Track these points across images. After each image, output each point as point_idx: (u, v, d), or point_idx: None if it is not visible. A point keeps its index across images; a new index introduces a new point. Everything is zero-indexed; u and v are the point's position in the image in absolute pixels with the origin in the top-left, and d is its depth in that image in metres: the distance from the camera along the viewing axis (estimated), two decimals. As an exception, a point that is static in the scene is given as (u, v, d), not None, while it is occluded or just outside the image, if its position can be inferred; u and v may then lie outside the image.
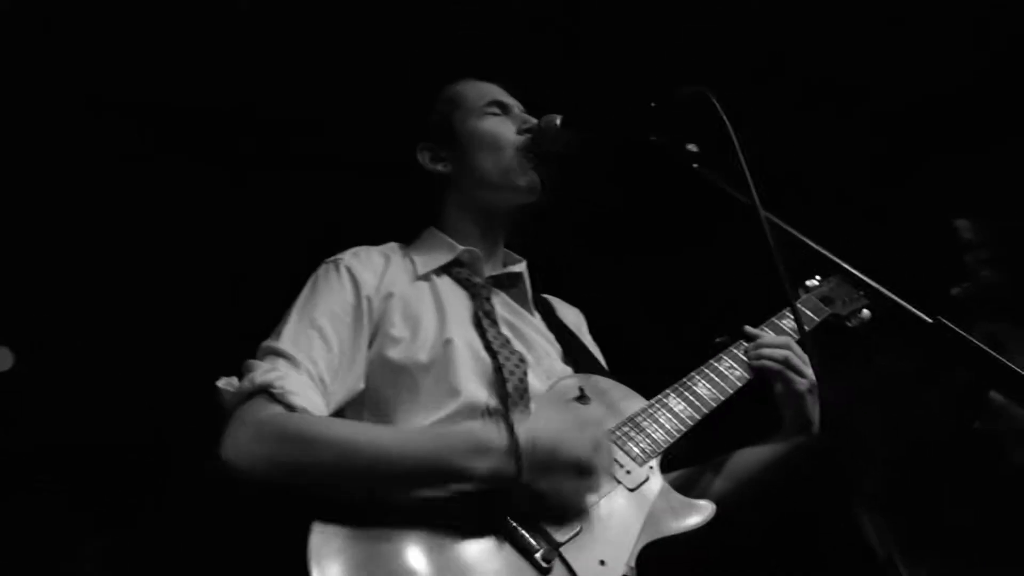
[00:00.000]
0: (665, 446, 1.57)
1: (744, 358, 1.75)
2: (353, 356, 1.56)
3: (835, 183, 3.29)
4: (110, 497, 2.83)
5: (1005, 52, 3.09)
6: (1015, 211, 3.05)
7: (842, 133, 3.22)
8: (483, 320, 1.66)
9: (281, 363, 1.47)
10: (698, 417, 1.63)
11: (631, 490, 1.48)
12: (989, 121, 3.16)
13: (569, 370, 1.71)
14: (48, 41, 2.68)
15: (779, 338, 1.77)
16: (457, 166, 1.84)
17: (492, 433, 1.37)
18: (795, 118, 3.14)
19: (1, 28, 2.60)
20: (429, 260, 1.76)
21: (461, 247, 1.78)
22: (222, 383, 1.46)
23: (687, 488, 1.60)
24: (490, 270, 1.82)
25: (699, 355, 1.78)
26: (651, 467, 1.53)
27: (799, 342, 1.74)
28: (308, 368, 1.48)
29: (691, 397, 1.66)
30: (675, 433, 1.59)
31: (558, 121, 1.75)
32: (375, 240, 1.83)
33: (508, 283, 1.86)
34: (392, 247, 1.81)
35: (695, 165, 1.54)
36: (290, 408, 1.40)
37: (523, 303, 1.85)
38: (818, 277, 2.02)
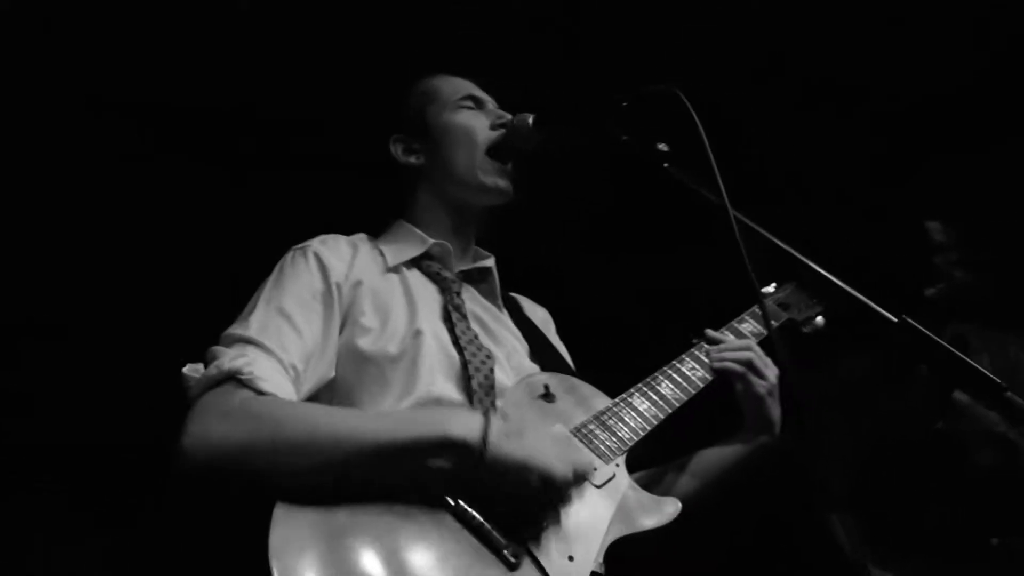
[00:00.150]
0: (631, 444, 1.58)
1: (706, 360, 1.77)
2: (324, 344, 1.53)
3: (835, 183, 3.29)
4: (110, 497, 2.82)
5: (1005, 52, 3.09)
6: (1015, 211, 3.06)
7: (842, 133, 3.22)
8: (452, 314, 1.66)
9: (250, 350, 1.43)
10: (662, 416, 1.66)
11: (598, 487, 1.48)
12: (989, 121, 3.16)
13: (536, 368, 1.72)
14: (48, 41, 2.68)
15: (741, 341, 1.80)
16: (430, 159, 1.84)
17: (463, 428, 1.34)
18: (795, 118, 3.14)
19: (1, 28, 2.60)
20: (399, 252, 1.75)
21: (432, 240, 1.78)
22: (187, 369, 1.41)
23: (651, 487, 1.62)
24: (460, 265, 1.82)
25: (675, 354, 1.81)
26: (617, 464, 1.54)
27: (763, 342, 1.76)
28: (278, 355, 1.44)
29: (655, 397, 1.68)
30: (640, 432, 1.61)
31: (531, 119, 1.76)
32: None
33: (478, 278, 1.86)
34: (360, 237, 1.80)
35: (665, 164, 1.55)
36: (259, 394, 1.36)
37: (492, 299, 1.86)
38: (774, 284, 2.04)
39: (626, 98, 1.54)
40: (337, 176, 2.82)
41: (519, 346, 1.77)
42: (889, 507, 2.58)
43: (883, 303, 1.32)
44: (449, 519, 1.32)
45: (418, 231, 1.80)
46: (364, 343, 1.54)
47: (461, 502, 1.33)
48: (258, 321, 1.49)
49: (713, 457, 1.76)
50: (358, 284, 1.62)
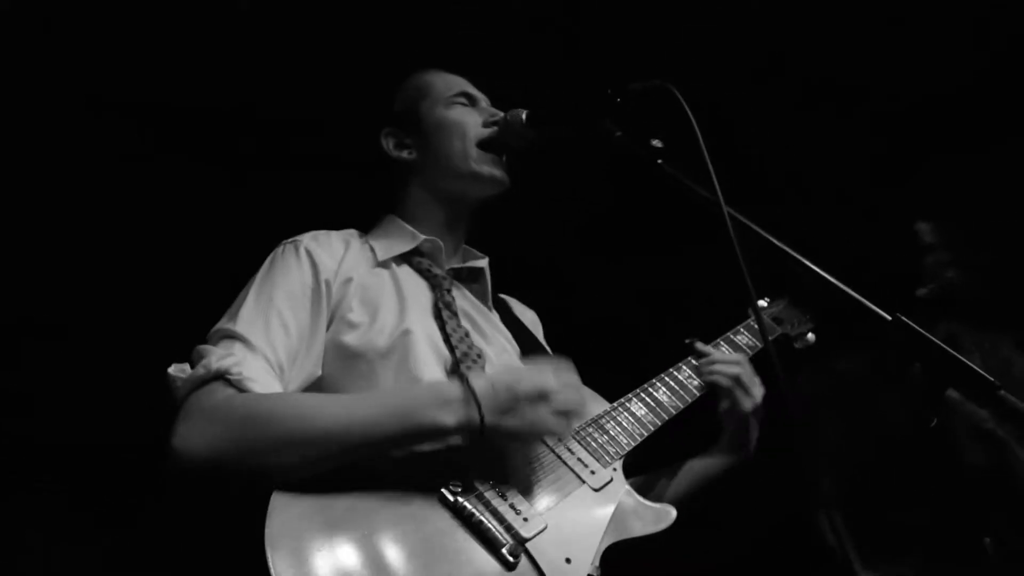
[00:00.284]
0: (628, 449, 1.59)
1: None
2: (311, 341, 1.51)
3: (834, 183, 3.29)
4: (110, 497, 2.82)
5: (1005, 52, 3.09)
6: (1011, 212, 3.06)
7: (842, 133, 3.22)
8: (443, 311, 1.64)
9: (237, 347, 1.41)
10: (659, 423, 1.66)
11: (596, 490, 1.49)
12: (989, 121, 3.16)
13: None
14: (48, 41, 2.68)
15: (732, 355, 1.80)
16: (422, 154, 1.83)
17: (453, 387, 1.35)
18: (795, 118, 3.14)
19: (1, 28, 2.60)
20: (389, 247, 1.74)
21: (423, 236, 1.76)
22: (173, 370, 1.39)
23: (641, 493, 1.61)
24: (450, 262, 1.81)
25: (671, 355, 1.81)
26: (615, 469, 1.54)
27: (757, 354, 1.76)
28: (266, 353, 1.42)
29: (652, 403, 1.69)
30: (637, 437, 1.61)
31: (524, 116, 1.75)
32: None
33: (469, 277, 1.85)
34: (351, 233, 1.78)
35: (659, 160, 1.54)
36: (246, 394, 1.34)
37: (483, 299, 1.85)
38: (767, 298, 2.04)
39: (619, 94, 1.54)
40: (337, 176, 2.82)
41: (509, 347, 1.76)
42: (879, 506, 2.58)
43: (879, 302, 1.32)
44: (447, 516, 1.32)
45: (409, 227, 1.79)
46: (351, 339, 1.53)
47: (460, 498, 1.33)
48: (247, 316, 1.47)
49: (691, 471, 1.76)
50: (348, 281, 1.61)
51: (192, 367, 1.38)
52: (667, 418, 1.68)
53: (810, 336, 2.05)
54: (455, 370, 1.54)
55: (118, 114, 2.82)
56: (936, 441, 2.46)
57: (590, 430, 1.58)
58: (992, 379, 1.25)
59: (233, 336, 1.44)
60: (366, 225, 1.89)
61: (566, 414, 1.41)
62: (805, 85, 3.11)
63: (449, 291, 1.72)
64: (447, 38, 2.82)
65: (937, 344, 1.27)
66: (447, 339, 1.59)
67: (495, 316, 1.85)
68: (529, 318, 1.98)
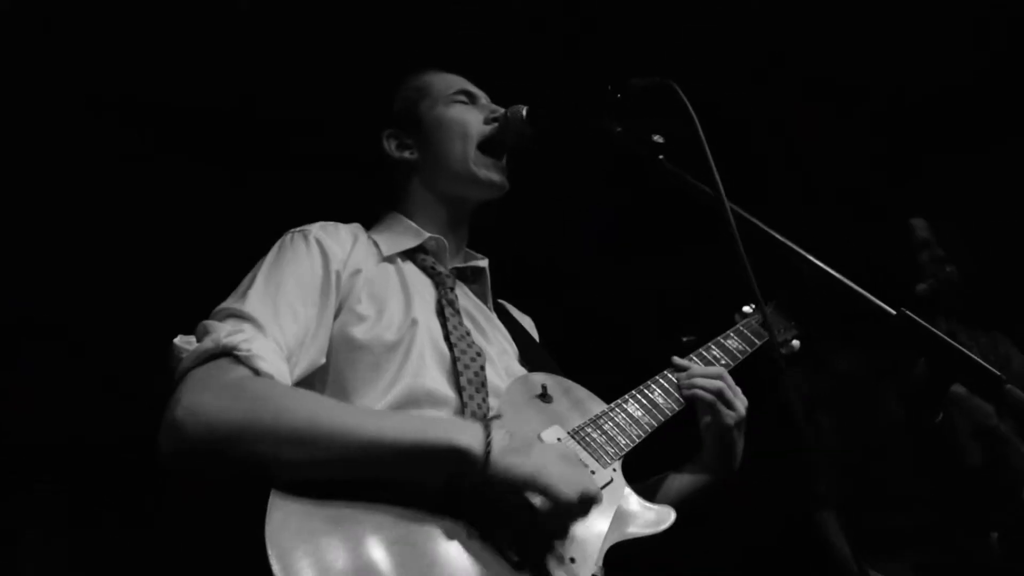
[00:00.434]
0: (627, 449, 1.58)
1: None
2: (318, 330, 1.49)
3: (835, 183, 3.29)
4: (110, 497, 2.82)
5: (1005, 52, 3.09)
6: (1015, 211, 3.06)
7: (842, 133, 3.22)
8: (446, 309, 1.64)
9: (247, 326, 1.37)
10: (655, 424, 1.65)
11: None
12: (989, 121, 3.16)
13: (525, 371, 1.70)
14: (48, 41, 2.68)
15: (712, 368, 1.77)
16: (423, 153, 1.82)
17: (469, 438, 1.29)
18: (795, 118, 3.14)
19: (1, 28, 2.60)
20: (394, 243, 1.73)
21: (428, 234, 1.76)
22: (179, 340, 1.34)
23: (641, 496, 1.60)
24: (453, 262, 1.81)
25: (671, 354, 1.79)
26: (614, 469, 1.54)
27: (772, 349, 1.74)
28: (275, 335, 1.39)
29: (649, 405, 1.67)
30: (635, 438, 1.60)
31: (524, 112, 1.74)
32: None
33: (471, 278, 1.85)
34: (357, 227, 1.77)
35: (660, 157, 1.53)
36: (256, 373, 1.30)
37: (483, 300, 1.84)
38: (752, 305, 2.02)
39: (620, 90, 1.53)
40: (337, 176, 2.82)
41: (508, 348, 1.75)
42: (877, 505, 2.58)
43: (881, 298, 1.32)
44: (451, 516, 1.30)
45: (413, 224, 1.78)
46: (358, 331, 1.51)
47: (461, 500, 1.31)
48: (256, 298, 1.43)
49: (673, 488, 1.74)
50: (356, 272, 1.60)
51: (198, 341, 1.34)
52: (663, 420, 1.67)
53: (795, 343, 2.03)
54: (453, 368, 1.54)
55: (118, 114, 2.82)
56: (935, 439, 2.45)
57: (589, 429, 1.57)
58: (998, 373, 1.25)
59: (242, 316, 1.40)
60: (367, 223, 1.89)
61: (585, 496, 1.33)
62: (805, 85, 3.12)
63: (452, 289, 1.71)
64: (447, 38, 2.82)
65: (943, 339, 1.27)
66: (447, 337, 1.59)
67: (495, 317, 1.84)
68: (526, 323, 1.98)
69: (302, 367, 1.45)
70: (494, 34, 2.83)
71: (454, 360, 1.54)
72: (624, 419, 1.63)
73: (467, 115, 1.81)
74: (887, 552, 2.51)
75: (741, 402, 1.71)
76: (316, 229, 1.63)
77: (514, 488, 1.29)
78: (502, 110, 1.80)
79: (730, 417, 1.68)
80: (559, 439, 1.52)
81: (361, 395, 1.46)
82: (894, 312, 1.30)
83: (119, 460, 2.81)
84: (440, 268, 1.73)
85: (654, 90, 1.45)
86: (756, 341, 1.92)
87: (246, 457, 1.24)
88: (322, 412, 1.30)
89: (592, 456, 1.53)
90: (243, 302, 1.42)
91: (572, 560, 1.34)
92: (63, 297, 2.84)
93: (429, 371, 1.50)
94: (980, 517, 2.50)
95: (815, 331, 2.08)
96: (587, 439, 1.55)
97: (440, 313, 1.63)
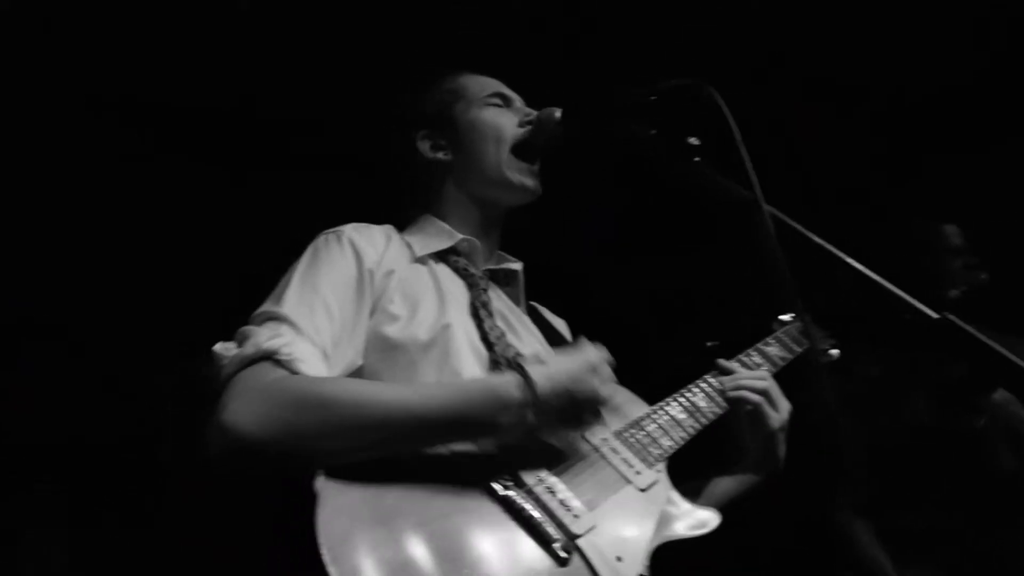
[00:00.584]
0: (671, 451, 1.59)
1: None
2: (354, 330, 1.50)
3: (835, 183, 3.30)
4: (110, 497, 2.83)
5: (1005, 52, 3.09)
6: (1015, 211, 3.06)
7: (842, 133, 3.23)
8: (480, 310, 1.64)
9: (285, 329, 1.40)
10: (699, 428, 1.66)
11: (642, 491, 1.49)
12: (989, 121, 3.16)
13: None
14: (48, 41, 2.68)
15: (759, 371, 1.79)
16: (457, 155, 1.83)
17: (511, 388, 1.37)
18: (795, 118, 3.14)
19: (1, 28, 2.60)
20: (426, 244, 1.74)
21: (460, 236, 1.77)
22: (219, 347, 1.37)
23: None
24: (485, 263, 1.82)
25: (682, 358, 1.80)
26: (659, 470, 1.55)
27: (813, 356, 1.74)
28: (312, 337, 1.41)
29: (692, 408, 1.69)
30: (679, 440, 1.61)
31: (558, 114, 1.74)
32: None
33: (504, 280, 1.85)
34: (389, 228, 1.78)
35: (696, 159, 1.53)
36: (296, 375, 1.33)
37: (516, 303, 1.85)
38: (791, 313, 2.03)
39: (655, 92, 1.53)
40: (337, 176, 2.82)
41: (542, 349, 1.76)
42: (905, 510, 2.56)
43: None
44: (498, 509, 1.31)
45: (446, 226, 1.79)
46: (392, 331, 1.52)
47: (511, 492, 1.33)
48: (292, 300, 1.45)
49: (715, 492, 1.74)
50: (390, 273, 1.60)
51: (238, 346, 1.37)
52: (706, 423, 1.68)
53: (833, 351, 2.04)
54: (493, 368, 1.55)
55: (118, 114, 2.82)
56: (972, 443, 2.44)
57: (633, 430, 1.58)
58: None
59: (279, 318, 1.42)
60: (372, 222, 1.89)
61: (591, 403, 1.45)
62: (805, 85, 3.12)
63: (486, 291, 1.72)
64: (447, 38, 2.82)
65: (987, 343, 1.26)
66: (484, 337, 1.59)
67: (528, 319, 1.85)
68: (560, 325, 1.98)
69: (340, 368, 1.46)
70: (494, 34, 2.83)
71: (494, 360, 1.55)
72: (667, 421, 1.64)
73: (501, 118, 1.82)
74: (911, 555, 2.49)
75: (785, 405, 1.72)
76: (349, 230, 1.65)
77: (559, 394, 1.39)
78: (535, 113, 1.81)
79: (776, 420, 1.69)
80: (604, 439, 1.53)
81: None
82: (936, 316, 1.29)
83: (119, 460, 2.81)
84: (473, 270, 1.74)
85: (688, 92, 1.45)
86: (796, 349, 1.94)
87: (296, 453, 1.27)
88: (366, 396, 1.34)
89: (637, 456, 1.53)
90: (280, 305, 1.44)
91: (619, 559, 1.35)
92: (63, 297, 2.84)
93: (468, 370, 1.52)
94: (1011, 522, 2.49)
95: (847, 335, 2.08)
96: (632, 440, 1.56)
97: (475, 314, 1.64)
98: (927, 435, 2.59)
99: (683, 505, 1.53)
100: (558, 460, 1.44)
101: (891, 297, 1.32)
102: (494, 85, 1.89)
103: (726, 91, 1.41)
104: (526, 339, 1.73)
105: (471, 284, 1.70)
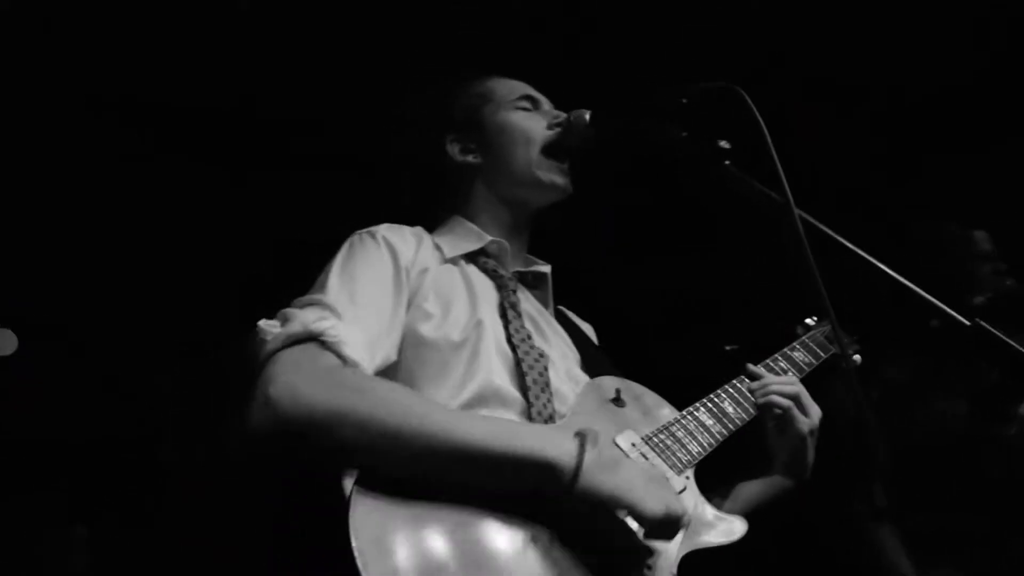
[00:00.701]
0: (699, 458, 1.58)
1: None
2: (391, 325, 1.50)
3: (835, 183, 3.30)
4: (110, 497, 2.83)
5: (1005, 52, 3.09)
6: (1015, 212, 3.06)
7: (842, 133, 3.23)
8: (508, 311, 1.65)
9: (330, 315, 1.38)
10: (726, 433, 1.65)
11: None
12: (989, 121, 3.17)
13: (587, 377, 1.71)
14: (48, 41, 2.68)
15: (787, 377, 1.78)
16: (486, 158, 1.83)
17: (559, 451, 1.30)
18: (795, 118, 3.14)
19: (1, 28, 2.61)
20: (456, 245, 1.74)
21: (490, 237, 1.78)
22: (263, 323, 1.35)
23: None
24: (514, 266, 1.83)
25: (714, 364, 1.79)
26: (687, 477, 1.54)
27: (840, 361, 1.73)
28: (355, 324, 1.40)
29: (719, 414, 1.68)
30: (707, 447, 1.61)
31: (587, 116, 1.75)
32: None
33: (532, 282, 1.86)
34: (420, 230, 1.80)
35: (727, 162, 1.53)
36: (342, 360, 1.32)
37: (545, 305, 1.86)
38: (815, 317, 2.03)
39: (686, 95, 1.53)
40: (337, 176, 2.82)
41: (569, 353, 1.75)
42: (928, 514, 2.55)
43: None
44: (531, 519, 1.30)
45: (475, 227, 1.79)
46: (426, 329, 1.52)
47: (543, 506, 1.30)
48: (334, 290, 1.45)
49: (742, 496, 1.74)
50: (424, 271, 1.61)
51: (282, 326, 1.35)
52: (734, 429, 1.67)
53: (857, 357, 2.04)
54: (517, 369, 1.55)
55: (118, 114, 2.83)
56: (1002, 449, 2.44)
57: (662, 436, 1.57)
58: None
59: (324, 304, 1.40)
60: (367, 225, 1.89)
61: (669, 515, 1.33)
62: (805, 85, 3.12)
63: (514, 292, 1.73)
64: (447, 38, 2.82)
65: (1020, 350, 1.25)
66: (509, 338, 1.59)
67: (555, 322, 1.85)
68: (587, 329, 1.99)
69: (377, 361, 1.45)
70: (494, 34, 2.84)
71: (518, 361, 1.55)
72: (696, 427, 1.63)
73: (530, 121, 1.83)
74: (936, 559, 2.49)
75: (815, 410, 1.71)
76: (383, 229, 1.65)
77: (600, 503, 1.29)
78: (564, 115, 1.81)
79: (805, 424, 1.68)
80: (633, 444, 1.52)
81: (431, 393, 1.47)
82: (968, 323, 1.29)
83: (119, 460, 2.82)
84: (502, 271, 1.75)
85: (719, 95, 1.45)
86: (822, 354, 1.92)
87: (338, 444, 1.25)
88: (416, 410, 1.32)
89: (666, 463, 1.53)
90: (324, 293, 1.44)
91: (648, 567, 1.35)
92: (63, 297, 2.84)
93: (496, 371, 1.52)
94: None
95: (871, 340, 2.07)
96: (660, 445, 1.55)
97: (503, 315, 1.64)
98: (949, 439, 2.58)
99: (711, 512, 1.52)
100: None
101: (920, 302, 1.32)
102: (522, 88, 1.90)
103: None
104: (553, 341, 1.73)
105: (500, 285, 1.71)
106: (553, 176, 1.79)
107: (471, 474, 1.28)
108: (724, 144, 1.53)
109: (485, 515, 1.27)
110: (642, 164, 2.35)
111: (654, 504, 1.30)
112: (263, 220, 2.85)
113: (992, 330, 1.27)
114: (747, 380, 1.76)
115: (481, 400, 1.47)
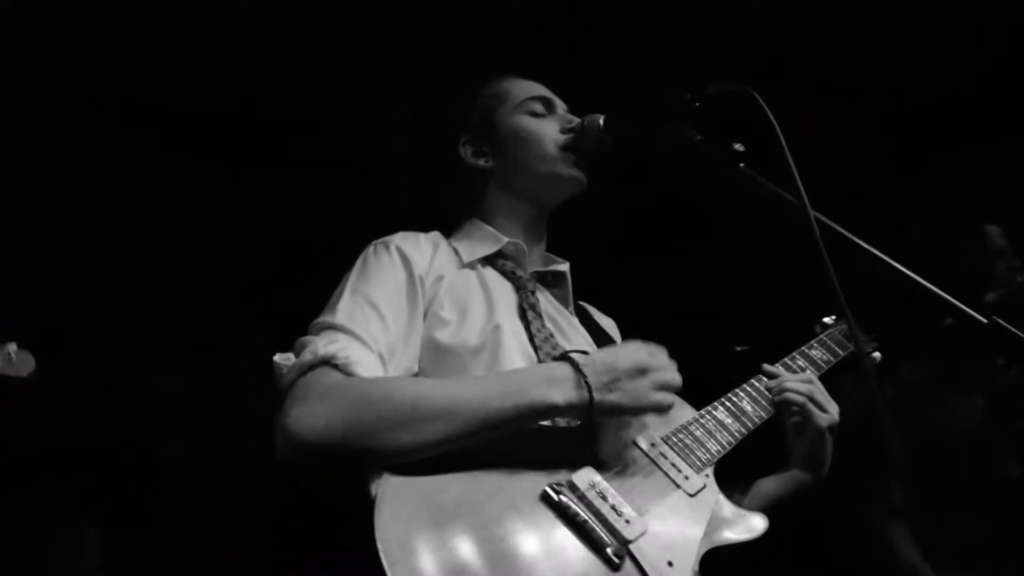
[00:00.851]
0: (718, 456, 1.59)
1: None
2: (408, 336, 1.54)
3: (835, 183, 3.29)
4: (110, 497, 2.83)
5: (1005, 52, 3.09)
6: (1015, 212, 3.06)
7: (842, 133, 3.22)
8: (528, 312, 1.66)
9: (340, 336, 1.44)
10: (745, 432, 1.67)
11: (691, 495, 1.50)
12: (989, 121, 3.16)
13: None
14: (48, 41, 2.68)
15: (803, 375, 1.79)
16: (500, 160, 1.84)
17: (558, 366, 1.42)
18: (795, 118, 3.14)
19: (1, 28, 2.61)
20: (473, 249, 1.76)
21: (507, 239, 1.78)
22: (278, 358, 1.41)
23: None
24: (532, 266, 1.83)
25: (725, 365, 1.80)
26: (707, 475, 1.55)
27: (859, 360, 1.74)
28: (368, 343, 1.45)
29: (738, 412, 1.69)
30: (726, 445, 1.62)
31: (601, 121, 1.75)
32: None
33: (551, 282, 1.87)
34: (437, 235, 1.80)
35: (741, 164, 1.54)
36: (352, 377, 1.37)
37: (564, 303, 1.86)
38: (833, 316, 2.03)
39: (698, 97, 1.54)
40: (337, 176, 2.82)
41: (590, 350, 1.77)
42: (944, 515, 2.55)
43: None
44: (551, 514, 1.32)
45: (492, 230, 1.81)
46: (443, 335, 1.55)
47: (563, 497, 1.33)
48: (345, 310, 1.49)
49: (760, 493, 1.75)
50: (439, 279, 1.63)
51: (296, 356, 1.41)
52: (752, 427, 1.68)
53: (876, 355, 2.04)
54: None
55: (118, 114, 2.83)
56: (1008, 446, 2.43)
57: (681, 435, 1.59)
58: None
59: (334, 327, 1.46)
60: (368, 225, 1.89)
61: (665, 388, 1.47)
62: (805, 85, 3.12)
63: (533, 292, 1.74)
64: (447, 38, 2.82)
65: None
66: (531, 339, 1.61)
67: (576, 321, 1.86)
68: (608, 324, 1.99)
69: (397, 374, 1.49)
70: (494, 34, 2.84)
71: (540, 362, 1.56)
72: (715, 425, 1.64)
73: (543, 124, 1.84)
74: (952, 562, 2.48)
75: (833, 407, 1.72)
76: (397, 239, 1.68)
77: (614, 410, 1.43)
78: (578, 119, 1.82)
79: (823, 419, 1.69)
80: (652, 444, 1.54)
81: None
82: (985, 320, 1.29)
83: (119, 460, 2.81)
84: (520, 272, 1.76)
85: (733, 98, 1.46)
86: (840, 352, 1.93)
87: (360, 451, 1.30)
88: (423, 393, 1.37)
89: (685, 461, 1.54)
90: (334, 314, 1.48)
91: (670, 564, 1.36)
92: (63, 297, 2.84)
93: None
94: None
95: (888, 340, 2.07)
96: (680, 444, 1.57)
97: (523, 317, 1.66)
98: (964, 439, 2.57)
99: (731, 510, 1.53)
100: (609, 465, 1.45)
101: (935, 300, 1.32)
102: (537, 89, 1.90)
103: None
104: (574, 340, 1.74)
105: (518, 287, 1.73)
106: (568, 168, 1.80)
107: (496, 422, 1.35)
108: (738, 147, 1.54)
109: (506, 512, 1.29)
110: (642, 164, 2.34)
111: (656, 395, 1.45)
112: (263, 220, 2.85)
113: (1009, 327, 1.27)
114: (764, 379, 1.78)
115: None
